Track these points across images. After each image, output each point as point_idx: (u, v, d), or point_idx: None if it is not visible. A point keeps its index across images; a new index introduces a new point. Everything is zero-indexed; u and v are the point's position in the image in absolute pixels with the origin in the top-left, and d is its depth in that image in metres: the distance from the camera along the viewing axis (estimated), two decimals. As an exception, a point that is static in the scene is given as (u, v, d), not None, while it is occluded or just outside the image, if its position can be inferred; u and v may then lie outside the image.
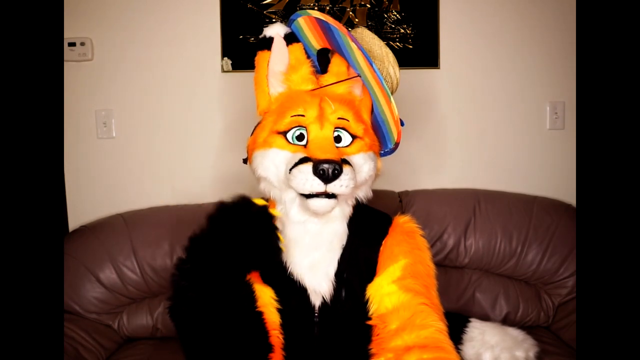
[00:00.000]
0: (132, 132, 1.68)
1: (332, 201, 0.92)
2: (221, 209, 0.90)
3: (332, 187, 0.89)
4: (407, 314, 0.92)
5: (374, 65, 0.92)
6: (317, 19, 0.97)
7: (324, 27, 0.98)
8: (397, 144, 1.04)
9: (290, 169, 0.92)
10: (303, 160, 0.91)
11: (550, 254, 1.46)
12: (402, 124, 1.04)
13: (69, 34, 1.62)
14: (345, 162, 0.92)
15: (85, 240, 1.49)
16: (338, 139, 0.97)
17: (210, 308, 0.86)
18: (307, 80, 1.02)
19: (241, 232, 0.87)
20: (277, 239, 0.90)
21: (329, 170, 0.87)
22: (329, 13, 1.65)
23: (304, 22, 1.01)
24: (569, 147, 1.69)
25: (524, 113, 1.70)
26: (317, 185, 0.88)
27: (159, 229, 1.49)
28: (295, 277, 0.98)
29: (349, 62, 0.99)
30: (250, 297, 0.91)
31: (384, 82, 0.93)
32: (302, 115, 0.96)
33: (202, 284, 0.86)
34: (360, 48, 0.93)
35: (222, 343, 0.86)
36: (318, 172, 0.88)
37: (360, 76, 0.98)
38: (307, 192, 0.91)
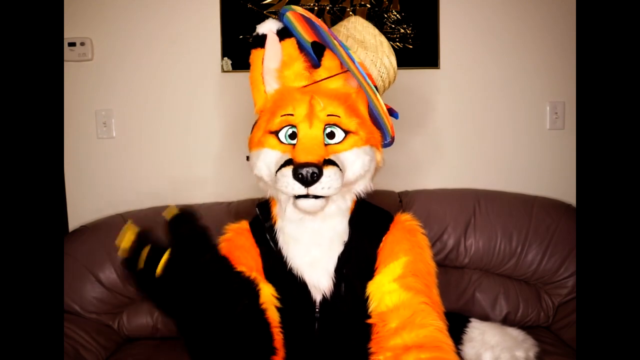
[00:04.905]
0: (132, 132, 1.68)
1: (319, 201, 0.92)
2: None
3: (313, 190, 0.90)
4: (408, 312, 0.92)
5: (356, 62, 0.92)
6: (301, 15, 0.97)
7: (310, 22, 0.98)
8: (393, 138, 1.04)
9: (276, 171, 0.93)
10: (286, 163, 0.91)
11: (550, 254, 1.46)
12: (396, 116, 1.03)
13: (69, 34, 1.62)
14: (330, 162, 0.92)
15: (85, 240, 1.49)
16: (332, 135, 0.96)
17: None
18: (300, 76, 1.01)
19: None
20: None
21: (307, 174, 0.88)
22: (329, 13, 1.65)
23: (293, 16, 1.00)
24: (569, 147, 1.69)
25: (524, 113, 1.70)
26: (299, 189, 0.90)
27: (159, 228, 1.48)
28: (295, 273, 0.98)
29: (337, 56, 0.98)
30: (254, 296, 0.91)
31: (367, 78, 0.93)
32: (292, 115, 0.96)
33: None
34: (342, 45, 0.93)
35: (224, 344, 0.86)
36: (297, 176, 0.88)
37: (349, 71, 0.98)
38: (291, 194, 0.92)
